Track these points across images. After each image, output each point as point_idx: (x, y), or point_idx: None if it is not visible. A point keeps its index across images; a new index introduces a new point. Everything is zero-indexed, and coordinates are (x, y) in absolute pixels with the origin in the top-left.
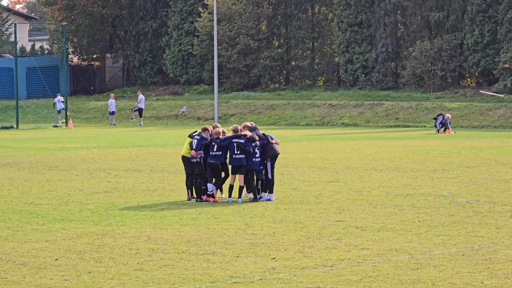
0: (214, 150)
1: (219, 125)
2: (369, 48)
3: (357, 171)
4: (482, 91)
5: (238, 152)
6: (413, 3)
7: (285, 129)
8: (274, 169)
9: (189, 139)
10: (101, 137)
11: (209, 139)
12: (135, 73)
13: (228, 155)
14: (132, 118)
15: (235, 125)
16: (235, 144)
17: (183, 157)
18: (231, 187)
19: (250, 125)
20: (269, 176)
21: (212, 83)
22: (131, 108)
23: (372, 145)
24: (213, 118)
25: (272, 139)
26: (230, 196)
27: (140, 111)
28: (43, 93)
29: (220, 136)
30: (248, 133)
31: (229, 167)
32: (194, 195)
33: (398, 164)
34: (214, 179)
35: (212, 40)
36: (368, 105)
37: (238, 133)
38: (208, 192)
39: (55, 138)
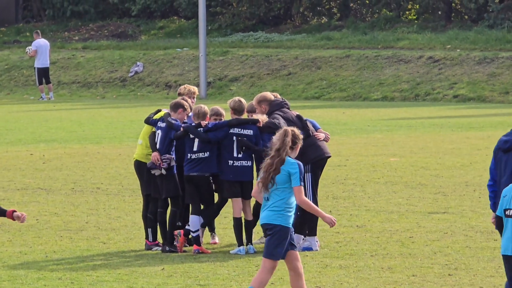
0: (195, 148)
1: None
2: None
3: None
4: None
5: (241, 155)
6: None
7: (342, 107)
8: (318, 186)
9: (146, 128)
10: None
11: (182, 127)
12: None
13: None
14: (42, 98)
15: (237, 100)
16: (235, 137)
17: (137, 164)
18: (237, 224)
19: (272, 98)
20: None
21: (194, 15)
22: (31, 65)
23: None
24: (196, 86)
25: (316, 128)
26: (242, 242)
27: (41, 73)
28: None
29: (206, 121)
30: (263, 117)
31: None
32: (159, 239)
33: None
34: (195, 207)
35: None
36: (508, 60)
37: (243, 116)
38: (192, 234)
39: None
